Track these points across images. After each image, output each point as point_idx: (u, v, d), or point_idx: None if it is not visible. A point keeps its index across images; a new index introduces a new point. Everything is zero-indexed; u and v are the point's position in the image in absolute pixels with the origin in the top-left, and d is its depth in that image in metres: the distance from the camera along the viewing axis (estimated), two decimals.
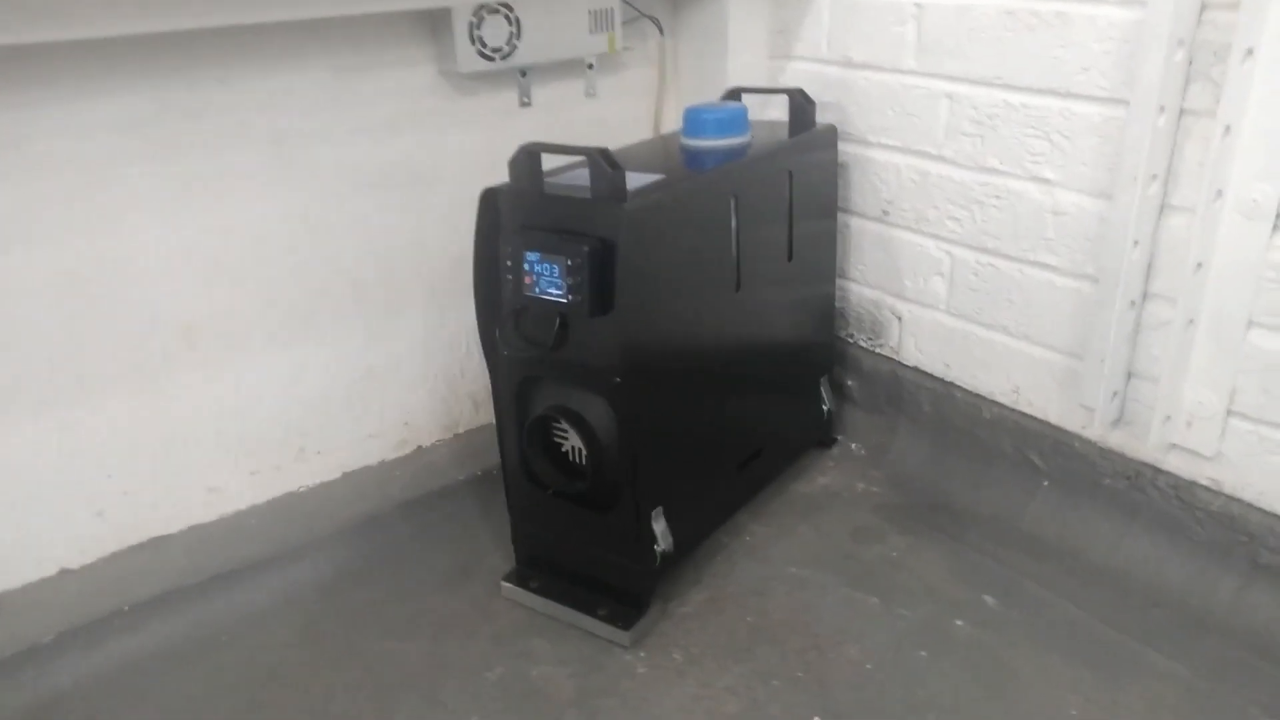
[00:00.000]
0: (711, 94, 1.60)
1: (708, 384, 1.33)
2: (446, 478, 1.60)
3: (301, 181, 1.38)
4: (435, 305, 1.56)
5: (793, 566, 1.39)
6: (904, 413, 1.61)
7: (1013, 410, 1.46)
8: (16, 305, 1.20)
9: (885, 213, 1.55)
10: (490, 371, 1.28)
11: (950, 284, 1.48)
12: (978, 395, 1.50)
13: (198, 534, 1.40)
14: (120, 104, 1.21)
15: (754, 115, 1.45)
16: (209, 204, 1.31)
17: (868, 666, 1.21)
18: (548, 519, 1.32)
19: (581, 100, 1.64)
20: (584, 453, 1.25)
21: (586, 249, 1.10)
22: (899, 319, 1.58)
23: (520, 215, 1.17)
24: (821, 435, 1.65)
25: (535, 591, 1.33)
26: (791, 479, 1.59)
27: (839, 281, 1.64)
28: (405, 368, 1.56)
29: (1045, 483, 1.43)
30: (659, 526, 1.25)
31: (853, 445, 1.66)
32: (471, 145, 1.52)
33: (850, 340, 1.68)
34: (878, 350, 1.64)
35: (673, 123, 1.72)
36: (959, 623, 1.27)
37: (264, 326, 1.40)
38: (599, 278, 1.12)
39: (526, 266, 1.15)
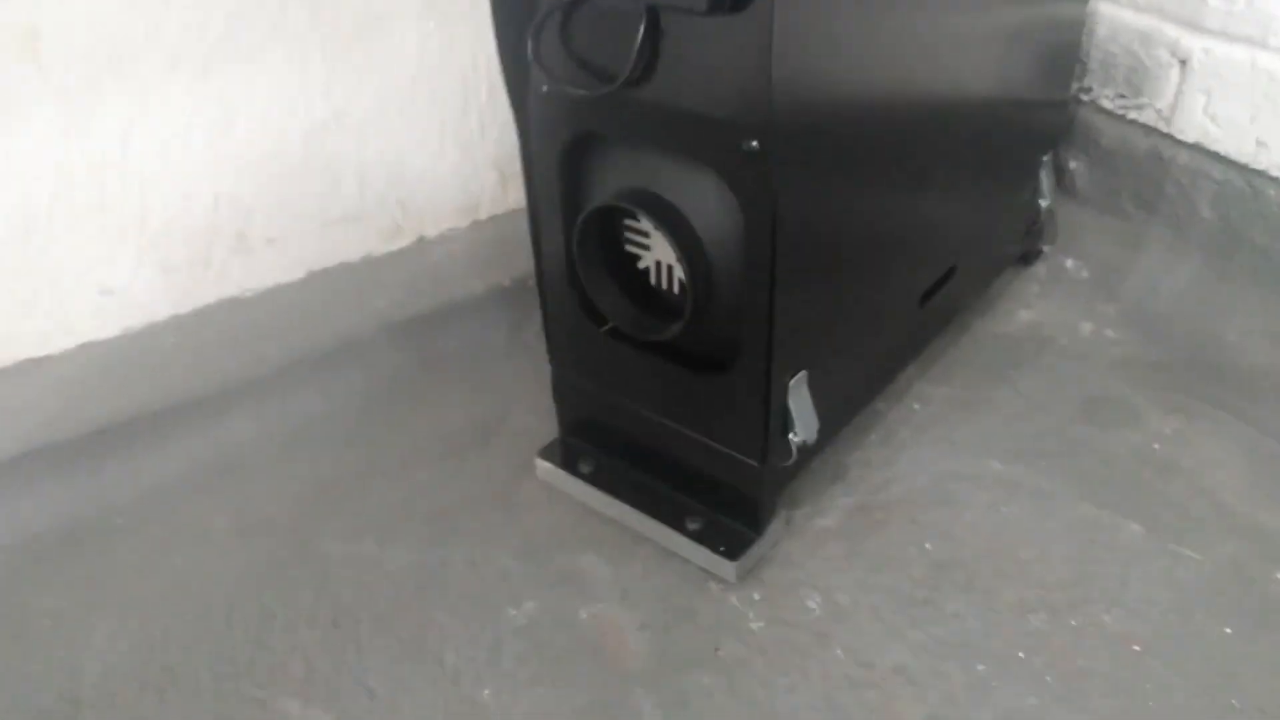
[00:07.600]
0: None
1: (891, 162, 0.77)
2: (460, 287, 1.08)
3: None
4: (436, 14, 0.99)
5: (992, 458, 0.88)
6: (1161, 215, 1.04)
7: None
8: None
9: None
10: (517, 123, 0.74)
11: None
12: None
13: (85, 356, 0.94)
14: None
15: None
16: None
17: (1135, 648, 0.73)
18: (612, 372, 0.81)
19: None
20: (680, 273, 0.73)
21: None
22: (1182, 63, 0.98)
23: None
24: (1026, 245, 1.09)
25: (587, 480, 0.85)
26: (978, 314, 1.05)
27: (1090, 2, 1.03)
28: (393, 118, 1.02)
29: None
30: (799, 403, 0.74)
31: (1068, 262, 1.11)
32: None
33: (1085, 98, 1.09)
34: (1131, 116, 1.05)
35: None
36: None
37: (162, 45, 0.86)
38: None
39: None
